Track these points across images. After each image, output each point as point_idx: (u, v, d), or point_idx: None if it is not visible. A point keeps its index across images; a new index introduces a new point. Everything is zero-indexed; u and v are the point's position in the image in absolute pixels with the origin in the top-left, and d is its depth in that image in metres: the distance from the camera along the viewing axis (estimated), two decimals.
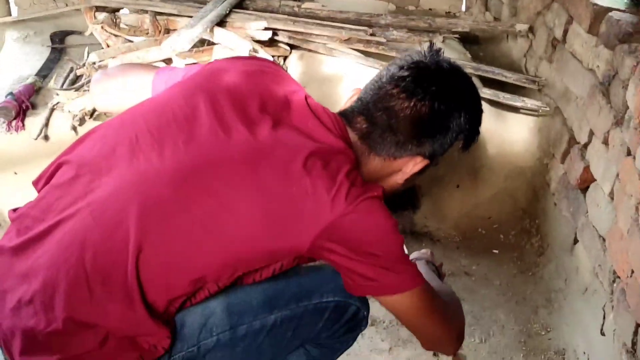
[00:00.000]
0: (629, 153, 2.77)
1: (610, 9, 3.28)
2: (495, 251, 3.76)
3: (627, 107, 2.83)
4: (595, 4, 3.32)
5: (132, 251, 1.68)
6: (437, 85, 1.86)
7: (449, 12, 5.29)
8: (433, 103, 1.85)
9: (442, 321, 1.92)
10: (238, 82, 1.92)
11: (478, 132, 1.98)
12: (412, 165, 1.91)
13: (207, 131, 1.79)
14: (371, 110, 1.88)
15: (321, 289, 1.99)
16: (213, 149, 1.77)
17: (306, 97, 1.94)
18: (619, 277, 2.74)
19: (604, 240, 2.93)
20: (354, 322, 2.08)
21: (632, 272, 2.59)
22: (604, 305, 2.85)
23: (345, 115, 1.93)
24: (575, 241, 3.27)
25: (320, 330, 2.04)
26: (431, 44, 1.96)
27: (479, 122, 1.98)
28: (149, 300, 1.72)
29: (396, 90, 1.86)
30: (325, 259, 1.79)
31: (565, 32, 3.70)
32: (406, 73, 1.87)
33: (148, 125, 1.83)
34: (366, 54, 4.14)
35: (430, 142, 1.90)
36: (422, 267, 2.20)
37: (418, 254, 2.41)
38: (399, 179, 1.94)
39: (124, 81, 2.15)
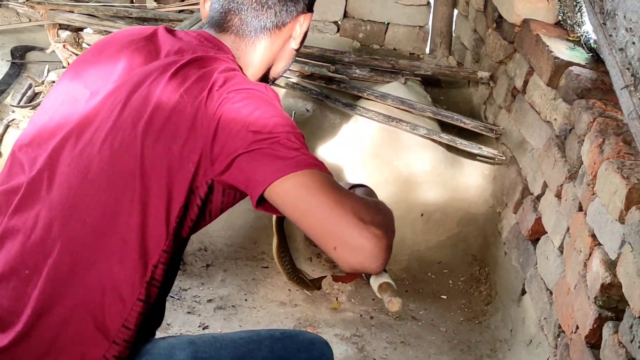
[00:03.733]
0: (580, 208, 2.79)
1: (571, 63, 3.31)
2: (443, 297, 3.76)
3: (582, 163, 2.85)
4: (557, 57, 3.35)
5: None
6: None
7: (413, 54, 5.32)
8: None
9: (353, 213, 1.55)
10: (93, 56, 1.90)
11: None
12: (299, 26, 1.90)
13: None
14: (233, 1, 1.86)
15: (293, 358, 1.92)
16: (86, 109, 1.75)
17: (166, 28, 1.91)
18: (563, 332, 2.75)
19: (551, 293, 2.94)
20: None
21: (577, 327, 2.59)
22: (548, 359, 2.85)
23: (213, 24, 1.89)
24: (523, 292, 3.28)
25: None
26: None
27: None
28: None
29: None
30: (230, 172, 1.64)
31: (526, 82, 3.73)
32: None
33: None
34: (328, 90, 4.15)
35: None
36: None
37: None
38: (293, 45, 1.93)
39: None
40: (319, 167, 1.60)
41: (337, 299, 3.62)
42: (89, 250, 1.64)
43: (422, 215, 3.90)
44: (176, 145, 1.62)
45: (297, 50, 1.96)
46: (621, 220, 2.38)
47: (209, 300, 3.53)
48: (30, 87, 4.07)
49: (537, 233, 3.26)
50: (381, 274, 1.68)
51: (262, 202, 1.61)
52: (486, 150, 3.89)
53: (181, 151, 1.62)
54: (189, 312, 3.42)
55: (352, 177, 3.96)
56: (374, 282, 1.69)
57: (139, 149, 1.63)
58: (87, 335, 1.64)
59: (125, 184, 1.64)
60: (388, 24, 5.26)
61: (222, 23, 1.87)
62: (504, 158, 3.87)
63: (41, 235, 1.66)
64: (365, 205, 1.61)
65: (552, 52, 3.41)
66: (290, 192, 1.57)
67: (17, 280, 1.66)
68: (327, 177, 1.60)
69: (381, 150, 3.98)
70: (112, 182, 1.64)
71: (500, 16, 4.20)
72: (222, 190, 1.69)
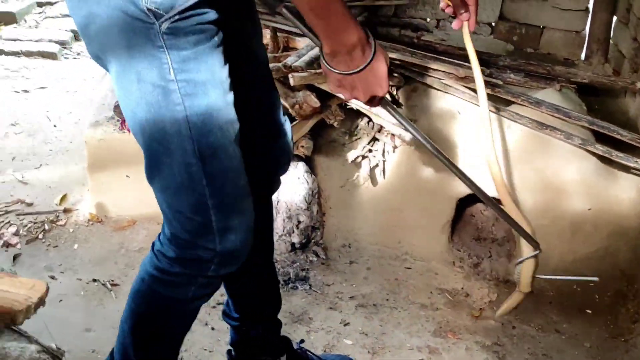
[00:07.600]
0: None
1: None
2: (588, 311, 3.68)
3: None
4: None
5: None
6: None
7: (567, 59, 5.21)
8: None
9: None
10: None
11: None
12: None
13: None
14: None
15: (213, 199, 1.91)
16: None
17: None
18: None
19: None
20: (194, 264, 1.99)
21: None
22: None
23: None
24: None
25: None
26: None
27: None
28: None
29: None
30: None
31: None
32: None
33: None
34: None
35: None
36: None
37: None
38: None
39: None
40: None
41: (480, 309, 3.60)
42: None
43: (589, 209, 3.81)
44: None
45: None
46: None
47: (351, 297, 3.57)
48: None
49: None
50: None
51: None
52: None
53: None
54: (330, 308, 3.46)
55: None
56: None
57: None
58: None
59: None
60: (543, 27, 5.18)
61: None
62: None
63: None
64: None
65: None
66: None
67: None
68: None
69: (531, 157, 3.92)
70: None
71: None
72: None
